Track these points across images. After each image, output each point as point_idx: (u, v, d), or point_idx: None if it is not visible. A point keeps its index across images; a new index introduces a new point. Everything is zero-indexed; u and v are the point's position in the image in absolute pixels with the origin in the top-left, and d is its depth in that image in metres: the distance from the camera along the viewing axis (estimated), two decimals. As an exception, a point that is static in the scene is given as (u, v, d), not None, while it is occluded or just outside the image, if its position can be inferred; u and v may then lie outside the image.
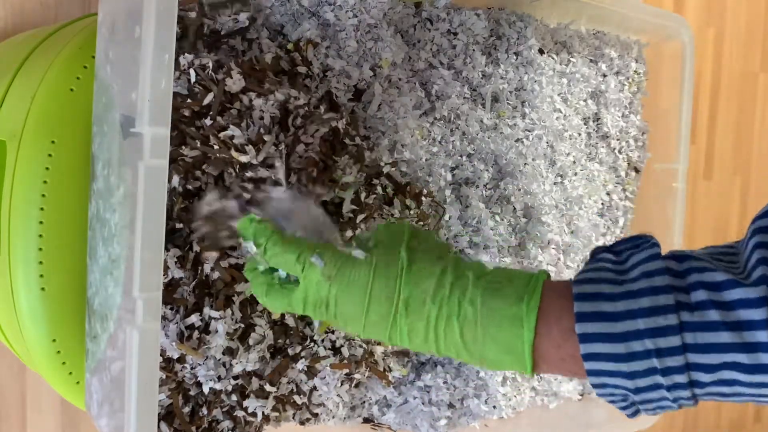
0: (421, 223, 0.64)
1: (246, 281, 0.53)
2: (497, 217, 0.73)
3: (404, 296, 0.44)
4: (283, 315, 0.57)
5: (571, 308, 0.42)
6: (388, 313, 0.44)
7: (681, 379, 0.40)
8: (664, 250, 0.44)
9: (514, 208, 0.74)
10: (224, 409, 0.55)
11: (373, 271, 0.44)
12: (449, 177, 0.69)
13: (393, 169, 0.63)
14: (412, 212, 0.63)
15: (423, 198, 0.65)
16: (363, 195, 0.60)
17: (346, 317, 0.45)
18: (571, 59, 0.80)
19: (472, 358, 0.44)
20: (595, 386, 0.42)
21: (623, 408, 0.43)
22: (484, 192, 0.72)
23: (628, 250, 0.44)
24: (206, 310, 0.52)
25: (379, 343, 0.63)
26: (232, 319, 0.53)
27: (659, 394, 0.41)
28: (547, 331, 0.42)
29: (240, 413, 0.56)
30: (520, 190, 0.74)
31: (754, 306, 0.38)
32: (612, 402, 0.43)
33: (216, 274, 0.52)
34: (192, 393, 0.54)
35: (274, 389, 0.56)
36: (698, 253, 0.43)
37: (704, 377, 0.40)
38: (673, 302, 0.40)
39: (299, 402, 0.59)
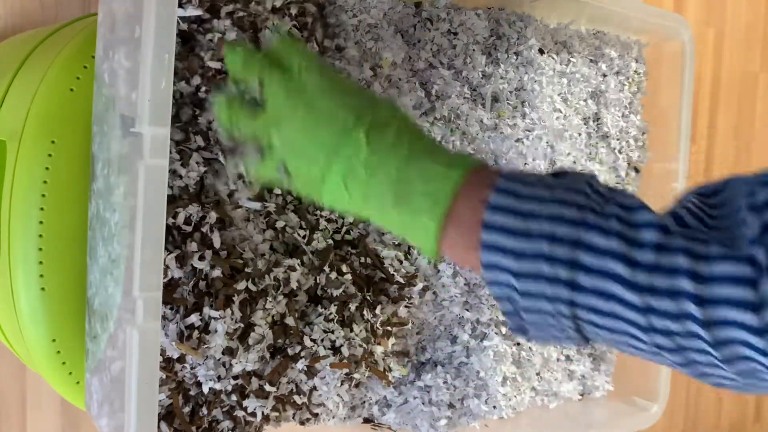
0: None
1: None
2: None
3: (367, 120, 0.44)
4: (282, 315, 0.57)
5: (492, 184, 0.42)
6: (349, 122, 0.44)
7: (563, 274, 0.40)
8: None
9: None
10: (224, 409, 0.55)
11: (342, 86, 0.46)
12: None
13: None
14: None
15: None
16: None
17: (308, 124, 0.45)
18: (571, 59, 0.80)
19: (394, 197, 0.44)
20: (485, 267, 0.42)
21: (508, 315, 0.43)
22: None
23: (568, 174, 0.45)
24: (206, 310, 0.52)
25: (378, 343, 0.63)
26: (232, 319, 0.53)
27: (539, 287, 0.41)
28: (470, 186, 0.43)
29: (240, 413, 0.56)
30: (520, 190, 0.74)
31: (653, 228, 0.39)
32: (497, 298, 0.43)
33: (215, 273, 0.52)
34: (192, 393, 0.54)
35: (273, 389, 0.56)
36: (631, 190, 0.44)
37: (585, 280, 0.39)
38: (584, 203, 0.40)
39: (299, 402, 0.59)
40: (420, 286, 0.66)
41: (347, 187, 0.44)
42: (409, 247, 0.67)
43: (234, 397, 0.55)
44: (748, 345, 0.36)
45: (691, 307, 0.37)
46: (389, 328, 0.64)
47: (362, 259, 0.63)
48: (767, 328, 0.35)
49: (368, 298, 0.61)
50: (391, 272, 0.64)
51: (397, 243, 0.66)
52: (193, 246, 0.52)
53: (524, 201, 0.41)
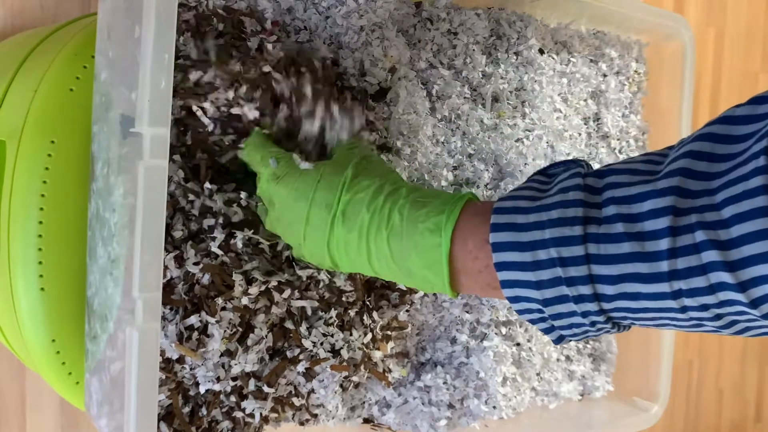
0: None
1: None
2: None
3: (343, 204, 0.47)
4: (282, 319, 0.56)
5: (488, 222, 0.43)
6: (327, 219, 0.47)
7: (586, 290, 0.40)
8: None
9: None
10: (223, 410, 0.55)
11: (318, 180, 0.48)
12: (450, 177, 0.69)
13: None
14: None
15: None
16: None
17: (289, 220, 0.49)
18: (572, 59, 0.80)
19: (401, 272, 0.46)
20: (511, 300, 0.43)
21: (544, 330, 0.44)
22: (484, 192, 0.72)
23: (559, 171, 0.45)
24: (203, 314, 0.52)
25: (377, 348, 0.63)
26: (230, 324, 0.53)
27: (567, 307, 0.41)
28: (462, 241, 0.44)
29: (239, 414, 0.56)
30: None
31: (659, 215, 0.38)
32: (531, 322, 0.43)
33: (206, 278, 0.52)
34: (191, 393, 0.54)
35: (272, 390, 0.56)
36: (625, 166, 0.42)
37: (608, 290, 0.40)
38: (581, 215, 0.40)
39: (297, 403, 0.59)
40: (421, 292, 0.66)
41: (345, 263, 0.48)
42: None
43: (233, 398, 0.55)
44: None
45: (723, 276, 0.36)
46: (389, 332, 0.64)
47: None
48: None
49: (368, 303, 0.61)
50: None
51: None
52: (191, 252, 0.52)
53: (523, 231, 0.41)
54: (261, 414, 0.56)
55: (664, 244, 0.37)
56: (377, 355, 0.63)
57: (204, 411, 0.55)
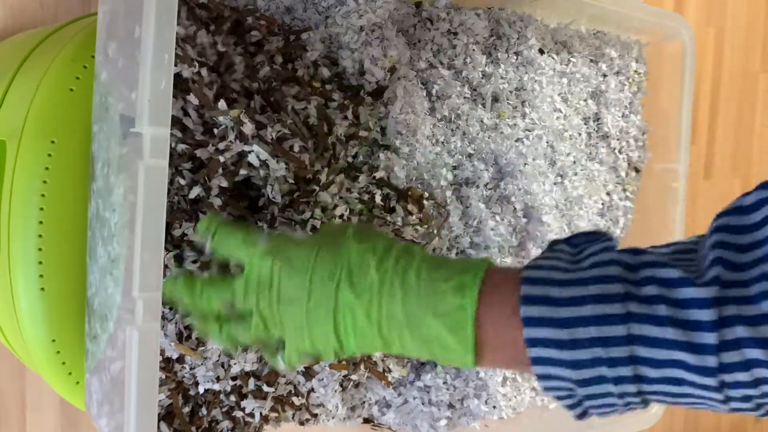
0: (425, 226, 0.64)
1: None
2: (497, 218, 0.72)
3: (347, 268, 0.42)
4: None
5: (516, 291, 0.40)
6: (331, 287, 0.42)
7: (626, 372, 0.38)
8: None
9: (515, 208, 0.74)
10: (223, 410, 0.55)
11: (317, 249, 0.43)
12: (450, 177, 0.69)
13: (386, 174, 0.62)
14: (413, 217, 0.63)
15: (425, 202, 0.65)
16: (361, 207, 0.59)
17: (289, 298, 0.43)
18: (572, 59, 0.80)
19: (414, 341, 0.41)
20: (540, 378, 0.40)
21: (570, 407, 0.41)
22: (484, 192, 0.72)
23: (584, 242, 0.43)
24: None
25: None
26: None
27: (604, 388, 0.39)
28: (489, 307, 0.40)
29: (239, 413, 0.56)
30: (520, 189, 0.74)
31: (704, 306, 0.37)
32: (558, 399, 0.41)
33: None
34: (191, 393, 0.54)
35: (271, 389, 0.56)
36: (657, 250, 0.42)
37: (651, 372, 0.38)
38: (622, 292, 0.38)
39: (297, 403, 0.59)
40: None
41: (350, 339, 0.43)
42: None
43: (233, 398, 0.55)
44: None
45: (766, 372, 0.36)
46: None
47: None
48: None
49: None
50: None
51: None
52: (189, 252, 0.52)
53: (559, 307, 0.39)
54: (261, 413, 0.56)
55: (711, 338, 0.37)
56: (376, 353, 0.63)
57: (204, 411, 0.55)
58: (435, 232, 0.66)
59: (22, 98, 0.53)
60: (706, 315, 0.37)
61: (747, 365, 0.37)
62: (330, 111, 0.57)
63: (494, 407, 0.72)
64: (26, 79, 0.54)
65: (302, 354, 0.44)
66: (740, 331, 0.36)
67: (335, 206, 0.57)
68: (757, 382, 0.37)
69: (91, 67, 0.52)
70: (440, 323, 0.40)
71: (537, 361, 0.39)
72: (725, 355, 0.37)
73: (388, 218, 0.61)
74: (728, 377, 0.37)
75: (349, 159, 0.60)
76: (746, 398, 0.38)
